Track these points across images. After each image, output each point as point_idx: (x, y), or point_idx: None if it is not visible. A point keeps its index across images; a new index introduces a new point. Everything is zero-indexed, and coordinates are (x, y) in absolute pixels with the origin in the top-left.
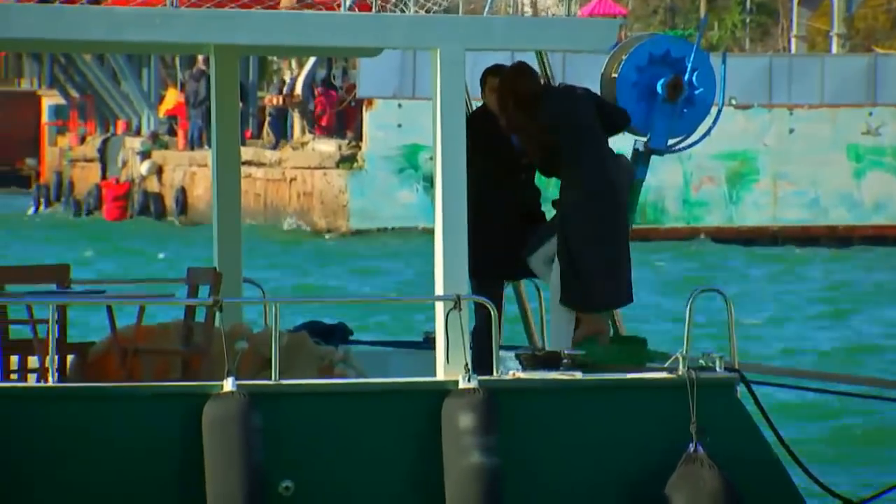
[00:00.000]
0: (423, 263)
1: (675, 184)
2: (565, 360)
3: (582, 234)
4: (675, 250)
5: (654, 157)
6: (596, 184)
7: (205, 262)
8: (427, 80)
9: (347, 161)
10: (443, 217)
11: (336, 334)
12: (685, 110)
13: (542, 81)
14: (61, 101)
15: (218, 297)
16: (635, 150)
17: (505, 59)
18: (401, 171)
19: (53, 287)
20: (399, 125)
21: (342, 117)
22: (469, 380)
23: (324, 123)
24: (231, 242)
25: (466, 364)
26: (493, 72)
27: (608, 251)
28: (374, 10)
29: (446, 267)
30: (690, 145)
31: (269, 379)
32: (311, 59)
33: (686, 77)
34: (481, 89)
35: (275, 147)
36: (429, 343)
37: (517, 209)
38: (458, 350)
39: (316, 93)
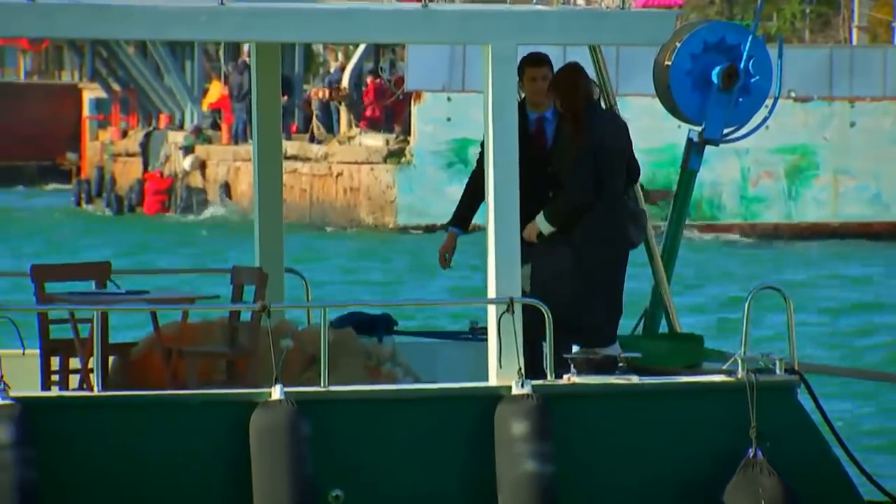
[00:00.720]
0: (469, 260)
1: (732, 179)
2: (621, 364)
3: (602, 268)
4: (731, 246)
5: (709, 150)
6: (620, 217)
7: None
8: (477, 73)
9: (395, 156)
10: (495, 217)
11: (379, 326)
12: (740, 99)
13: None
14: (103, 94)
15: (265, 302)
16: (689, 140)
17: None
18: (450, 165)
19: (93, 285)
20: (448, 119)
21: (390, 111)
22: (523, 385)
23: (371, 117)
24: (273, 238)
25: (520, 369)
26: (534, 61)
27: (615, 292)
28: (422, 3)
29: (499, 269)
30: (745, 135)
31: (315, 377)
32: (358, 51)
33: (742, 65)
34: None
35: (320, 141)
36: (475, 333)
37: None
38: (510, 354)
39: (364, 84)
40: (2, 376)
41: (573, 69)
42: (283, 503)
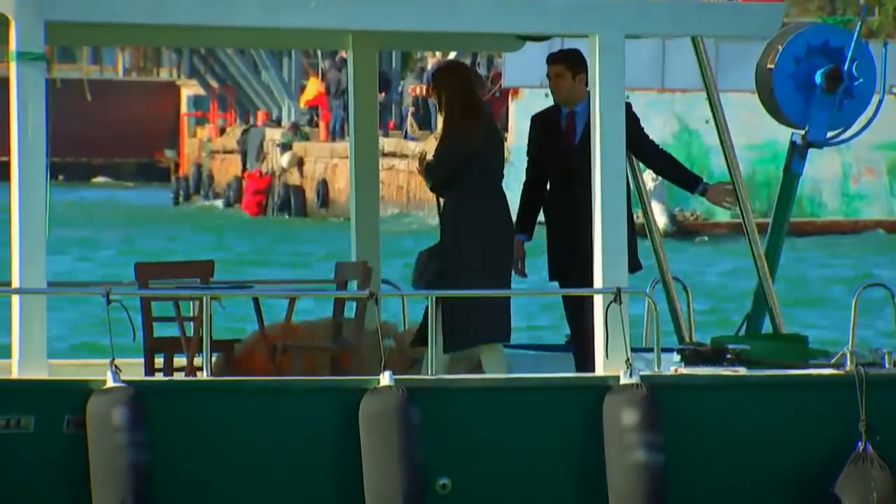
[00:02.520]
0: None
1: (833, 175)
2: (729, 356)
3: (465, 269)
4: (831, 244)
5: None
6: (477, 217)
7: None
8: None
9: None
10: (602, 208)
11: None
12: (844, 102)
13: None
14: (201, 91)
15: (373, 290)
16: (792, 143)
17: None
18: None
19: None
20: None
21: (488, 106)
22: (631, 375)
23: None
24: (369, 236)
25: (628, 359)
26: (549, 58)
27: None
28: None
29: (605, 258)
30: (849, 138)
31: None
32: None
33: (845, 67)
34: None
35: (416, 138)
36: (571, 346)
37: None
38: (618, 344)
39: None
40: (113, 359)
41: (454, 69)
42: (392, 489)
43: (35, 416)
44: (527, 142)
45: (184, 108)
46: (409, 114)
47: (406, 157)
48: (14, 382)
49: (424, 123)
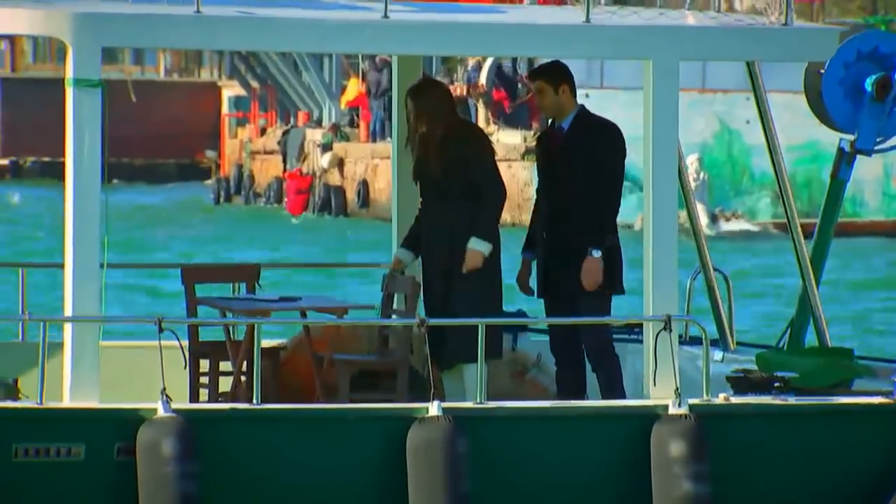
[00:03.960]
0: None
1: (874, 175)
2: (777, 384)
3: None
4: (872, 245)
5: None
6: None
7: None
8: (616, 70)
9: (533, 153)
10: (653, 234)
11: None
12: (894, 109)
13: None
14: (242, 91)
15: (424, 317)
16: (840, 150)
17: None
18: None
19: (243, 287)
20: None
21: (527, 108)
22: (679, 405)
23: (508, 114)
24: None
25: (676, 388)
26: (529, 74)
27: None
28: (584, 19)
29: (656, 284)
30: None
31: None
32: None
33: (895, 75)
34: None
35: None
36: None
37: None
38: (667, 373)
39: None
40: (164, 389)
41: (439, 93)
42: None
43: (85, 445)
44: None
45: (225, 109)
46: None
47: None
48: (65, 411)
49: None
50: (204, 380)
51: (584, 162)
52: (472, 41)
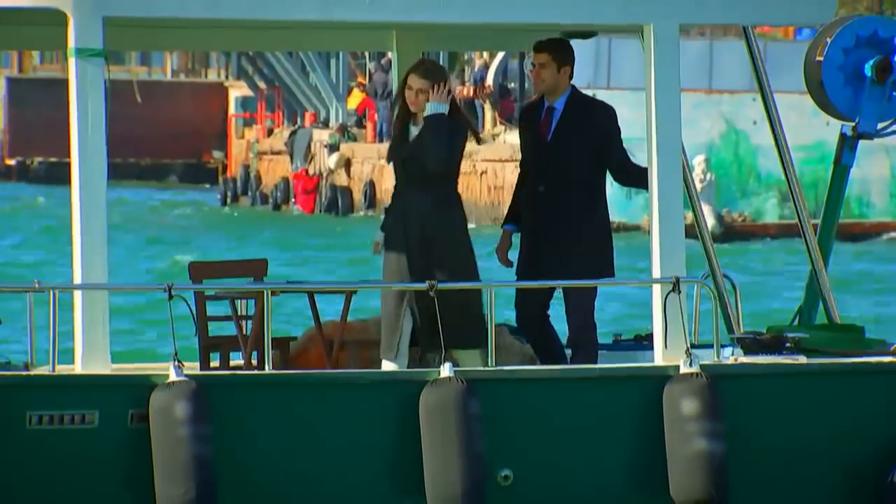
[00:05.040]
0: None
1: (881, 176)
2: (788, 344)
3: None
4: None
5: (858, 148)
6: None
7: None
8: (623, 70)
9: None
10: (658, 200)
11: None
12: (893, 93)
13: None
14: (249, 92)
15: (433, 282)
16: (842, 135)
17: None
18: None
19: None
20: None
21: None
22: (691, 364)
23: (515, 115)
24: None
25: (687, 348)
26: (534, 46)
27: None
28: None
29: (663, 248)
30: None
31: None
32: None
33: (895, 58)
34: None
35: None
36: (617, 345)
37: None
38: (677, 334)
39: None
40: (176, 353)
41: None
42: (453, 481)
43: (99, 411)
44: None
45: (232, 110)
46: None
47: None
48: (78, 378)
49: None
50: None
51: (585, 141)
52: (472, 6)
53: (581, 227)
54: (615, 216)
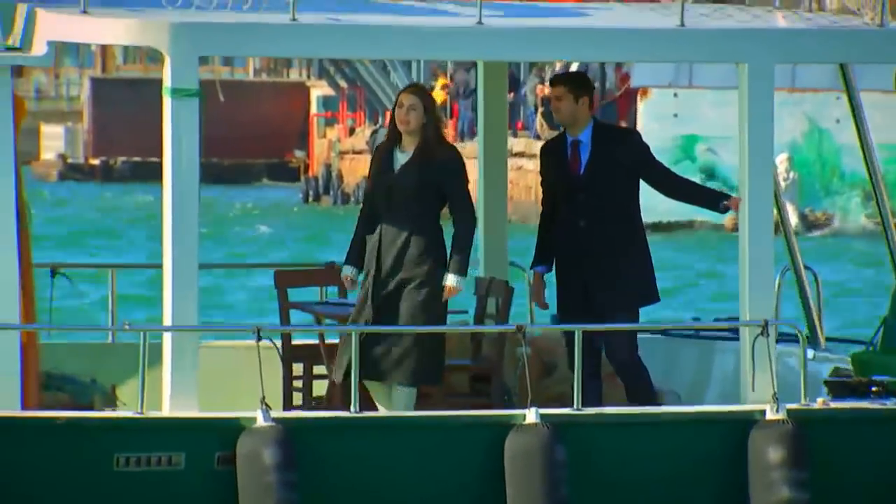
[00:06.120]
0: (695, 261)
1: None
2: (875, 388)
3: None
4: None
5: None
6: None
7: None
8: (704, 69)
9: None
10: (749, 239)
11: None
12: None
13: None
14: (330, 92)
15: (522, 324)
16: None
17: None
18: (677, 162)
19: (335, 289)
20: (675, 115)
21: (614, 107)
22: (777, 410)
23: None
24: (497, 236)
25: (774, 393)
26: (550, 80)
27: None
28: (679, 23)
29: (752, 288)
30: None
31: (553, 385)
32: None
33: None
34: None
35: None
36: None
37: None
38: (764, 378)
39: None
40: (263, 397)
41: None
42: None
43: (185, 453)
44: (539, 172)
45: (313, 109)
46: (539, 113)
47: (534, 156)
48: (165, 420)
49: (553, 124)
50: (297, 383)
51: (621, 169)
52: (565, 46)
53: (628, 257)
54: (659, 217)
